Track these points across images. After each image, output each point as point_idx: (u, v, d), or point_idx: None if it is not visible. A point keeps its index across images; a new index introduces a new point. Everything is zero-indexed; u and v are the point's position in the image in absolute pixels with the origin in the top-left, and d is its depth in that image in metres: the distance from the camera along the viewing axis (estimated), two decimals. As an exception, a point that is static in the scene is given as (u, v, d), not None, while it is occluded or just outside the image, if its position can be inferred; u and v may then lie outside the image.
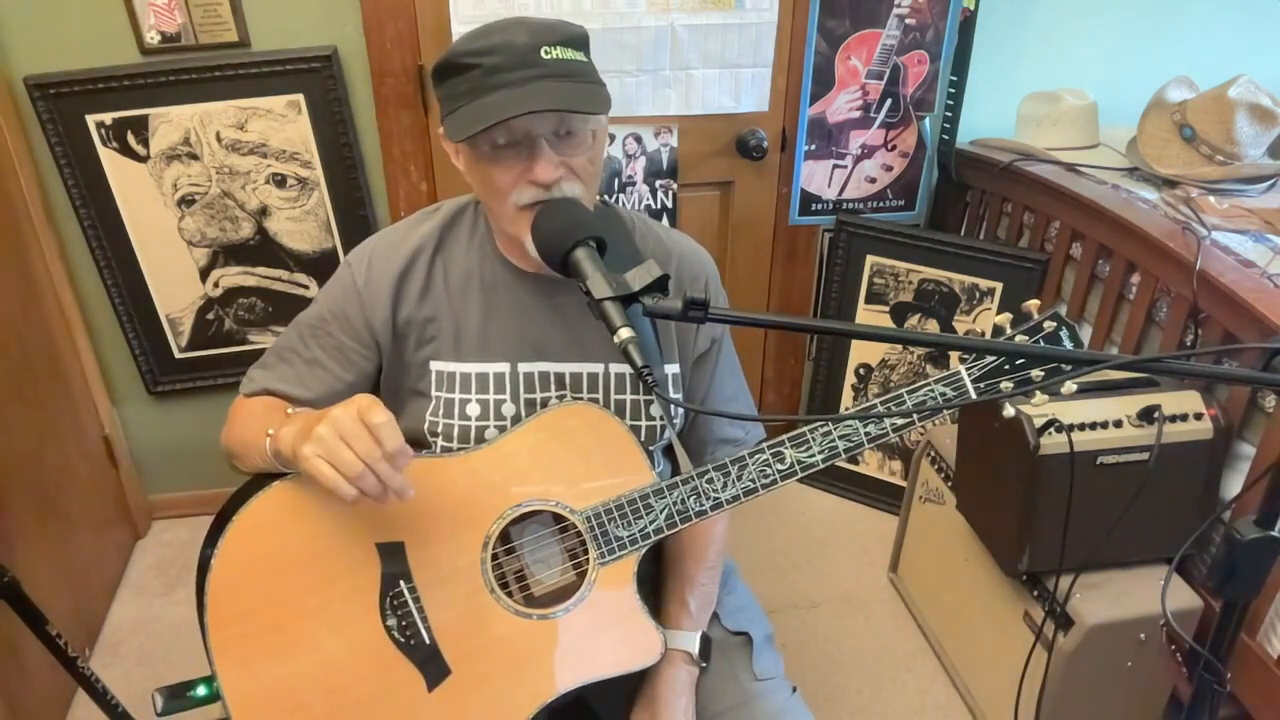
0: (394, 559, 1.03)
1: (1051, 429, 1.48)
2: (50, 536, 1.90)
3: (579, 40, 1.02)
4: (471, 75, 0.98)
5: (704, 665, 1.19)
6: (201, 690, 1.02)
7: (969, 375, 1.02)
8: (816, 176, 2.29)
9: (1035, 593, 1.61)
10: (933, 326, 2.27)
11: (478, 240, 1.15)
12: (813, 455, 1.05)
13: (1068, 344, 1.04)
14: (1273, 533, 0.88)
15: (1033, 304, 1.03)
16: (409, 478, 0.93)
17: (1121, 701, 1.61)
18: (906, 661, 1.98)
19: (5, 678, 1.63)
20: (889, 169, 2.31)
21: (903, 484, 2.25)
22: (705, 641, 1.19)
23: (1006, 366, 1.02)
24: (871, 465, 2.47)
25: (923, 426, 2.19)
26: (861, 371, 2.42)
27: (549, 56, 0.98)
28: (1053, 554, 1.51)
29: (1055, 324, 1.04)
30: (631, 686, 1.18)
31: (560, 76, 0.98)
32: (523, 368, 1.14)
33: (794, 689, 1.21)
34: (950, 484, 1.85)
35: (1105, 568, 1.56)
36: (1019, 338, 1.03)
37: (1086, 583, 1.53)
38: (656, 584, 1.25)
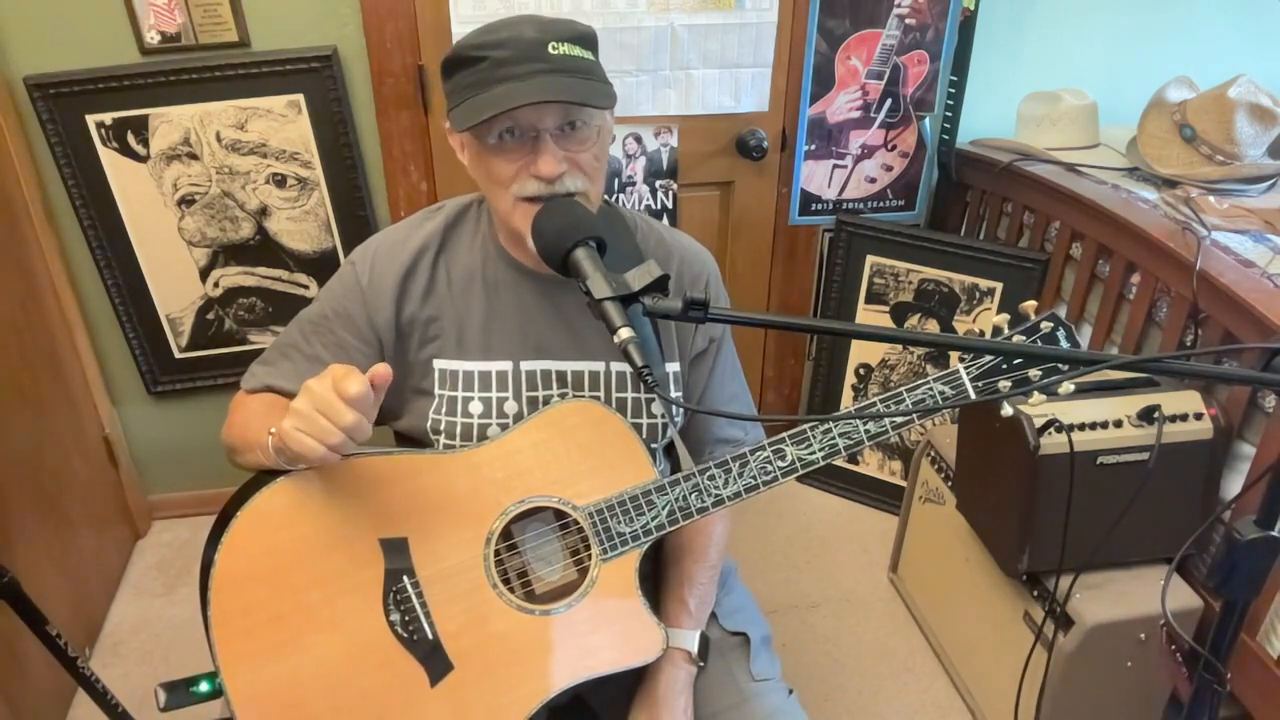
0: (397, 555, 1.03)
1: (1051, 429, 1.48)
2: (50, 536, 1.89)
3: (587, 39, 1.03)
4: (479, 68, 0.99)
5: (702, 665, 1.19)
6: (204, 686, 1.03)
7: (967, 374, 1.02)
8: (816, 176, 2.29)
9: (1035, 593, 1.61)
10: (933, 326, 2.28)
11: (480, 239, 1.16)
12: (813, 453, 1.05)
13: (1065, 344, 1.04)
14: (1273, 533, 0.88)
15: (1030, 305, 1.03)
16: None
17: (1121, 701, 1.61)
18: (906, 661, 1.98)
19: (5, 678, 1.63)
20: (889, 169, 2.31)
21: (903, 484, 2.25)
22: (704, 641, 1.19)
23: (1005, 366, 1.02)
24: (871, 465, 2.47)
25: (922, 426, 2.20)
26: (861, 371, 2.42)
27: (556, 52, 0.99)
28: (1053, 554, 1.51)
29: (1052, 324, 1.04)
30: (630, 685, 1.18)
31: (567, 72, 0.99)
32: (525, 366, 1.14)
33: (790, 691, 1.21)
34: (950, 484, 1.85)
35: (1105, 568, 1.56)
36: (1016, 338, 1.03)
37: (1086, 583, 1.53)
38: (656, 584, 1.25)
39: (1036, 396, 1.04)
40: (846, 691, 1.90)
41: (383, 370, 0.92)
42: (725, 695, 1.19)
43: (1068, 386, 1.00)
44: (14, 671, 1.66)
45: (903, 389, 1.04)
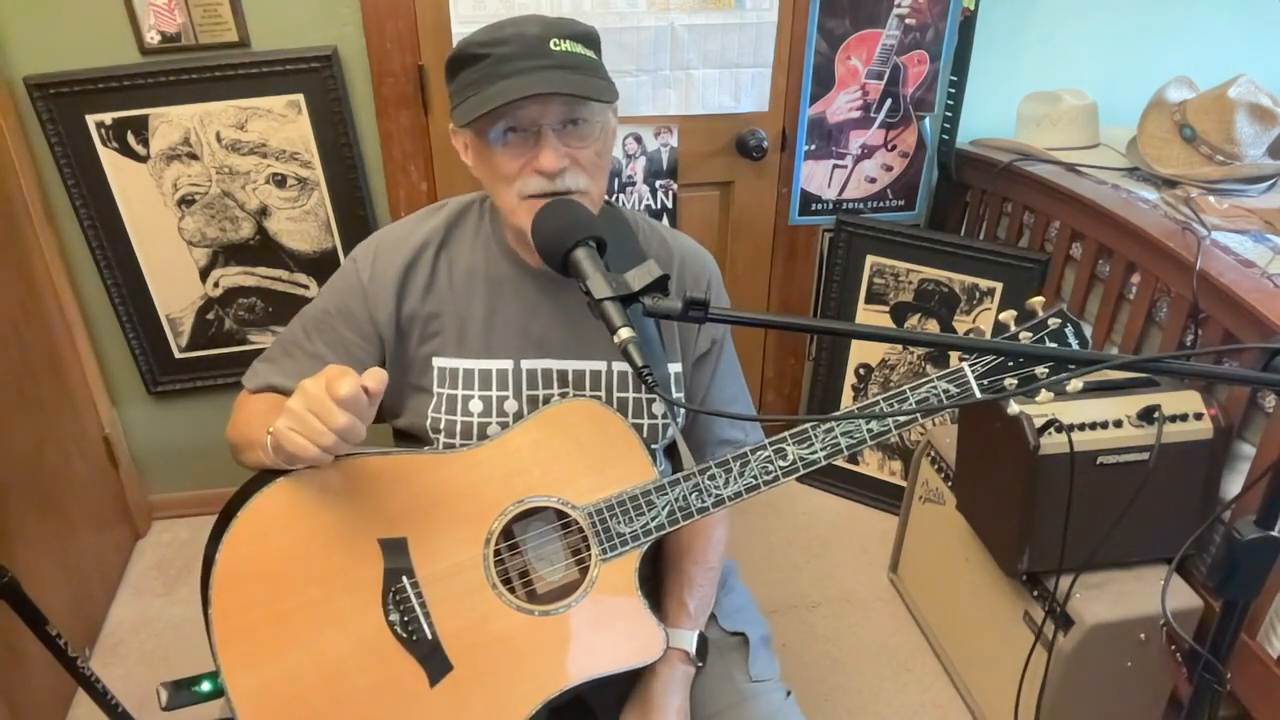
0: (397, 555, 1.03)
1: (1051, 429, 1.48)
2: (50, 536, 1.89)
3: (589, 38, 1.05)
4: (483, 64, 1.01)
5: (700, 665, 1.18)
6: (206, 685, 1.03)
7: (973, 372, 1.02)
8: (816, 176, 2.29)
9: (1035, 593, 1.61)
10: (933, 326, 2.28)
11: (483, 236, 1.16)
12: (815, 452, 1.05)
13: (1073, 341, 1.04)
14: (1273, 533, 0.88)
15: (1038, 301, 1.02)
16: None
17: (1121, 701, 1.61)
18: (906, 661, 1.98)
19: (5, 678, 1.63)
20: (889, 169, 2.31)
21: (903, 484, 2.25)
22: (702, 641, 1.19)
23: (1010, 364, 1.02)
24: (871, 465, 2.47)
25: (923, 426, 2.19)
26: (861, 371, 2.42)
27: (559, 48, 1.00)
28: (1053, 554, 1.51)
29: (1060, 321, 1.03)
30: (630, 684, 1.18)
31: (569, 68, 1.00)
32: (526, 364, 1.14)
33: (789, 692, 1.21)
34: (950, 484, 1.85)
35: (1105, 568, 1.56)
36: (1024, 335, 1.02)
37: (1086, 583, 1.53)
38: (655, 587, 1.25)
39: (1042, 395, 1.03)
40: (846, 691, 1.90)
41: (376, 376, 0.93)
42: (723, 695, 1.19)
43: (1076, 384, 0.99)
44: (14, 671, 1.66)
45: (906, 387, 1.03)
